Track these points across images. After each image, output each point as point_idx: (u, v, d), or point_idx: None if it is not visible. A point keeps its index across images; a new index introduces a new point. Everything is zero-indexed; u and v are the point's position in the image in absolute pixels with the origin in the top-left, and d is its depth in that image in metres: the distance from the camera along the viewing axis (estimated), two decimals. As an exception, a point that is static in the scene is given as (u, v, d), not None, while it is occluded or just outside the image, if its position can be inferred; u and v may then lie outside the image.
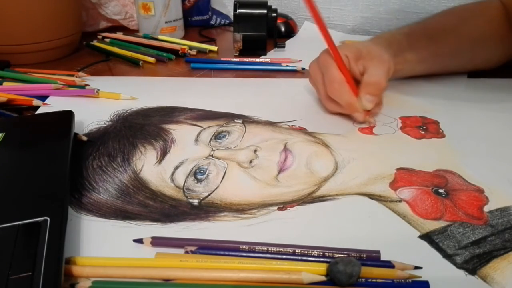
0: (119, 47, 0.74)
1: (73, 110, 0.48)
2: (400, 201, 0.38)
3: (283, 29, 0.84)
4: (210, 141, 0.46)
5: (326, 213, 0.37)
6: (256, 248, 0.32)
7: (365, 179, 0.41)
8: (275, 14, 0.73)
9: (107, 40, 0.78)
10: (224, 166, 0.42)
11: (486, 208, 0.37)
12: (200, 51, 0.76)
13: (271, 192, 0.39)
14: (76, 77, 0.63)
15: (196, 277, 0.30)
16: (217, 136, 0.47)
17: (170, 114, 0.53)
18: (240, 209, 0.37)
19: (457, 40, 0.58)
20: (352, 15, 0.88)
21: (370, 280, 0.29)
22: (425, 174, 0.41)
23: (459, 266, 0.31)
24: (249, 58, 0.70)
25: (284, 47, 0.76)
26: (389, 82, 0.50)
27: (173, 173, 0.42)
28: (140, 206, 0.38)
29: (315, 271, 0.30)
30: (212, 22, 0.92)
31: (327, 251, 0.32)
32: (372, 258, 0.31)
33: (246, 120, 0.51)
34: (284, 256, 0.32)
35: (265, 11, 0.72)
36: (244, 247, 0.32)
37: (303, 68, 0.66)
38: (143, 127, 0.49)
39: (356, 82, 0.49)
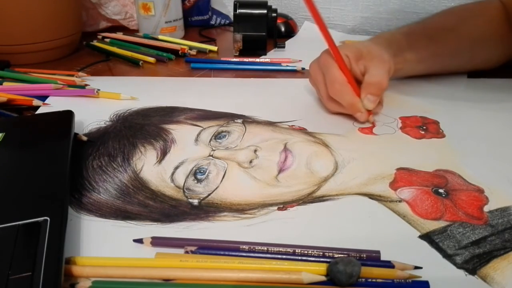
0: (119, 47, 0.74)
1: (73, 110, 0.48)
2: (400, 201, 0.38)
3: (283, 29, 0.84)
4: (210, 141, 0.46)
5: (326, 213, 0.37)
6: (256, 248, 0.32)
7: (365, 179, 0.41)
8: (275, 14, 0.73)
9: (107, 40, 0.78)
10: (224, 166, 0.42)
11: (486, 208, 0.37)
12: (200, 51, 0.76)
13: (271, 192, 0.39)
14: (76, 77, 0.63)
15: (196, 277, 0.30)
16: (217, 136, 0.47)
17: (170, 114, 0.53)
18: (240, 209, 0.37)
19: (456, 40, 0.58)
20: (352, 15, 0.88)
21: (370, 280, 0.29)
22: (425, 174, 0.41)
23: (459, 266, 0.31)
24: (249, 58, 0.70)
25: (284, 47, 0.76)
26: (389, 82, 0.50)
27: (173, 173, 0.42)
28: (140, 206, 0.38)
29: (315, 271, 0.30)
30: (212, 22, 0.92)
31: (327, 251, 0.32)
32: (372, 258, 0.31)
33: (246, 120, 0.51)
34: (284, 256, 0.32)
35: (265, 11, 0.72)
36: (244, 247, 0.32)
37: (303, 68, 0.66)
38: (143, 127, 0.49)
39: (357, 82, 0.49)
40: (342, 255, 0.31)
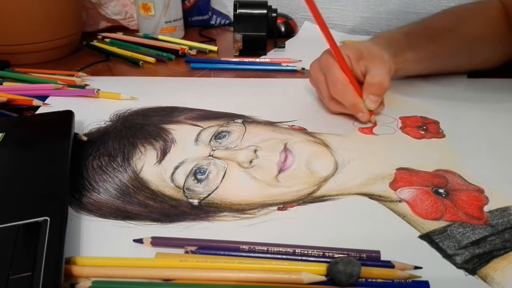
0: (119, 47, 0.74)
1: (73, 110, 0.48)
2: (400, 201, 0.38)
3: (283, 29, 0.84)
4: (210, 141, 0.46)
5: (326, 213, 0.37)
6: (256, 248, 0.32)
7: (365, 179, 0.41)
8: (275, 14, 0.73)
9: (107, 40, 0.78)
10: (224, 166, 0.42)
11: (486, 208, 0.37)
12: (200, 51, 0.76)
13: (271, 192, 0.39)
14: (76, 77, 0.63)
15: (196, 277, 0.30)
16: (217, 136, 0.47)
17: (170, 114, 0.53)
18: (240, 209, 0.37)
19: (456, 40, 0.58)
20: (352, 15, 0.88)
21: (370, 280, 0.29)
22: (425, 174, 0.41)
23: (459, 266, 0.31)
24: (249, 58, 0.70)
25: (284, 47, 0.76)
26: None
27: (173, 173, 0.42)
28: (140, 206, 0.38)
29: (315, 271, 0.30)
30: (212, 22, 0.92)
31: (327, 251, 0.32)
32: (372, 258, 0.31)
33: (246, 120, 0.51)
34: (284, 256, 0.32)
35: (265, 11, 0.72)
36: (244, 247, 0.32)
37: (303, 68, 0.66)
38: (143, 127, 0.49)
39: (358, 82, 0.49)
40: (342, 255, 0.31)
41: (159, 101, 0.56)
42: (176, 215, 0.37)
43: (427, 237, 0.34)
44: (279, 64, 0.69)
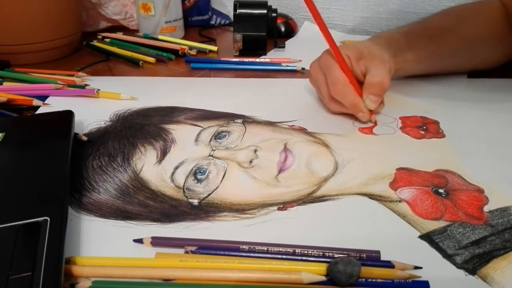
0: (119, 47, 0.74)
1: (73, 110, 0.48)
2: (400, 201, 0.38)
3: (283, 29, 0.84)
4: (210, 141, 0.46)
5: (326, 213, 0.37)
6: (256, 248, 0.32)
7: (365, 179, 0.41)
8: (275, 14, 0.73)
9: (107, 40, 0.78)
10: (224, 166, 0.42)
11: (486, 208, 0.37)
12: (200, 51, 0.76)
13: (271, 192, 0.39)
14: (76, 77, 0.63)
15: (196, 277, 0.30)
16: (217, 136, 0.47)
17: (170, 114, 0.53)
18: (240, 209, 0.37)
19: (456, 39, 0.58)
20: (352, 15, 0.88)
21: (370, 280, 0.29)
22: (425, 174, 0.41)
23: (459, 266, 0.31)
24: (249, 58, 0.70)
25: (284, 47, 0.76)
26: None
27: (173, 173, 0.42)
28: (140, 206, 0.38)
29: (315, 271, 0.30)
30: (212, 22, 0.92)
31: (327, 251, 0.32)
32: (372, 258, 0.31)
33: (246, 120, 0.51)
34: (284, 256, 0.32)
35: (265, 11, 0.72)
36: (244, 247, 0.32)
37: (303, 68, 0.66)
38: (143, 127, 0.49)
39: (358, 82, 0.49)
40: (342, 255, 0.31)
41: (159, 101, 0.56)
42: (176, 215, 0.37)
43: (427, 237, 0.34)
44: (279, 64, 0.69)
